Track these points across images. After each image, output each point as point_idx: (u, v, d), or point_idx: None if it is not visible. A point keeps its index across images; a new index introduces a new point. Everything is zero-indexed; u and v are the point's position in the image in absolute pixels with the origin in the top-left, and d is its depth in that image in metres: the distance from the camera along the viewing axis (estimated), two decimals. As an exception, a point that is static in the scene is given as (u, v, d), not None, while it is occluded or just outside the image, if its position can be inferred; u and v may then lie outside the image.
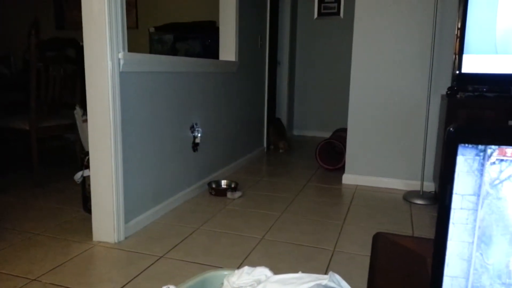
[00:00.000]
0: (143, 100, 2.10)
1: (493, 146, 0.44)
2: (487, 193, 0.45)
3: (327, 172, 3.36)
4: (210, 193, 2.73)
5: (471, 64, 2.39)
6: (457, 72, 2.42)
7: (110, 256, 1.82)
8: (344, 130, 3.63)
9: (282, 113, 4.83)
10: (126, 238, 1.99)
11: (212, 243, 1.95)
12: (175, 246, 1.92)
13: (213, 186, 2.78)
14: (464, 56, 2.39)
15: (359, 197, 2.73)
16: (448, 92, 2.44)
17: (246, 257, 1.82)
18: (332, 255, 1.86)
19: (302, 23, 4.93)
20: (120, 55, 1.83)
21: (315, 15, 4.83)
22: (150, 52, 3.78)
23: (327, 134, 4.76)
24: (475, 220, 0.46)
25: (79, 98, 2.90)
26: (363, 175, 3.01)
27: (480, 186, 0.45)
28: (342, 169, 3.15)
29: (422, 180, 2.67)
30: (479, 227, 0.46)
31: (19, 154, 3.67)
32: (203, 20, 3.87)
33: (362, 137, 2.98)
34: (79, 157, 2.86)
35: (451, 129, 0.45)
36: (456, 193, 0.46)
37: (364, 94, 2.93)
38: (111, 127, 1.86)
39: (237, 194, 2.67)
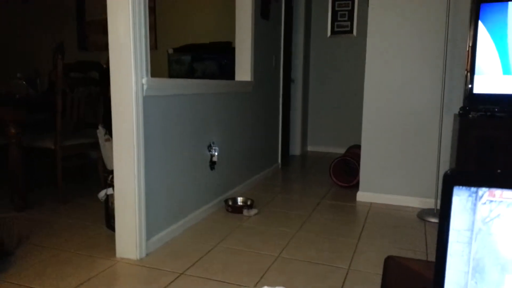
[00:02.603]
0: (164, 121, 2.20)
1: (483, 188, 0.51)
2: (480, 229, 0.51)
3: (342, 189, 3.41)
4: (227, 210, 2.80)
5: (483, 84, 2.44)
6: (469, 92, 2.47)
7: (133, 273, 1.90)
8: (358, 147, 3.68)
9: (296, 129, 4.90)
10: (147, 254, 2.08)
11: (230, 261, 2.02)
12: (195, 263, 1.99)
13: (230, 203, 2.86)
14: (476, 77, 2.45)
15: (374, 215, 2.77)
16: (460, 112, 2.48)
17: (263, 275, 1.88)
18: (347, 274, 1.91)
19: (315, 41, 5.03)
20: (144, 81, 1.94)
21: (329, 34, 4.93)
22: (169, 72, 3.92)
23: (341, 150, 4.81)
24: (469, 252, 0.52)
25: (102, 118, 3.03)
26: (377, 193, 3.05)
27: (473, 223, 0.52)
28: (356, 186, 3.20)
29: (436, 198, 2.70)
30: (473, 259, 0.52)
31: (44, 171, 3.81)
32: (220, 41, 4.00)
33: (376, 154, 3.03)
34: (102, 175, 2.97)
35: (448, 172, 0.52)
36: (452, 229, 0.52)
37: (377, 112, 2.98)
38: (135, 149, 1.96)
39: (253, 211, 2.74)
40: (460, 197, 0.52)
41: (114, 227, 2.15)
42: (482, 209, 0.51)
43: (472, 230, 0.52)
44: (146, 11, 1.91)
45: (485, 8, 2.40)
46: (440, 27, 2.74)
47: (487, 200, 0.51)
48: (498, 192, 0.50)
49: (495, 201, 0.50)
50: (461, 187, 0.51)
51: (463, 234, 0.52)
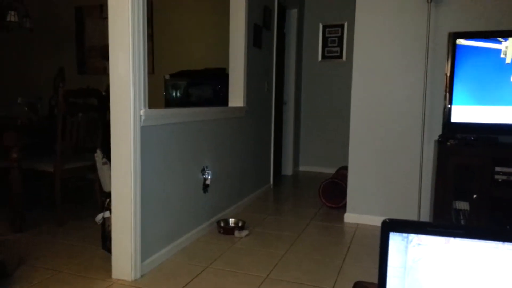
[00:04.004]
0: (160, 148, 2.33)
1: (413, 235, 0.64)
2: (411, 266, 0.65)
3: (330, 210, 3.53)
4: (219, 231, 2.91)
5: (460, 113, 2.60)
6: (447, 120, 2.63)
7: (128, 293, 2.00)
8: (347, 168, 3.82)
9: (288, 150, 5.05)
10: (142, 276, 2.18)
11: (221, 282, 2.13)
12: (187, 284, 2.10)
13: (222, 224, 2.97)
14: (453, 107, 2.61)
15: (359, 236, 2.90)
16: (439, 139, 2.64)
17: (251, 295, 1.99)
18: (330, 294, 2.03)
19: (307, 65, 5.23)
20: (142, 112, 2.08)
21: (319, 58, 5.13)
22: (165, 96, 4.07)
23: (332, 170, 4.96)
24: (404, 285, 0.65)
25: (100, 142, 3.16)
26: (363, 214, 3.18)
27: (406, 261, 0.65)
28: (344, 207, 3.32)
29: (419, 220, 2.83)
30: (407, 290, 0.65)
31: (42, 192, 3.91)
32: (214, 67, 4.17)
33: (362, 177, 3.17)
34: (99, 199, 3.08)
35: (386, 220, 0.66)
36: (390, 266, 0.66)
37: (363, 136, 3.14)
38: (132, 175, 2.09)
39: (244, 232, 2.85)
40: (395, 241, 0.65)
41: (110, 249, 2.26)
42: (412, 251, 0.64)
43: (405, 268, 0.65)
44: (145, 50, 2.06)
45: (460, 42, 2.58)
46: (421, 57, 2.91)
47: (416, 243, 0.64)
48: (423, 237, 0.64)
49: (421, 244, 0.64)
50: (395, 233, 0.65)
51: (398, 270, 0.65)
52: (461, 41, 2.59)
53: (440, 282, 0.64)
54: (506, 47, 2.51)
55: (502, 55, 2.52)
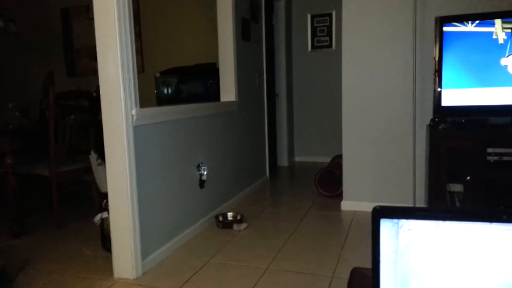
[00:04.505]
0: (154, 147, 2.34)
1: (403, 220, 0.66)
2: (402, 251, 0.67)
3: (327, 199, 3.56)
4: (218, 225, 2.93)
5: (450, 97, 2.62)
6: (437, 104, 2.66)
7: (131, 292, 2.02)
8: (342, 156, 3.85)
9: (283, 141, 5.06)
10: (143, 274, 2.20)
11: (222, 276, 2.16)
12: (188, 279, 2.12)
13: (220, 219, 2.99)
14: (443, 91, 2.63)
15: (356, 223, 2.93)
16: (431, 124, 2.66)
17: (253, 287, 2.02)
18: (330, 282, 2.06)
19: (297, 56, 5.23)
20: (133, 111, 2.08)
21: (309, 49, 5.13)
22: (156, 94, 4.06)
23: (327, 159, 4.98)
24: (396, 269, 0.67)
25: (93, 143, 3.15)
26: (360, 201, 3.21)
27: (397, 246, 0.67)
28: (341, 196, 3.35)
29: (414, 205, 2.87)
30: (400, 274, 0.67)
31: (39, 196, 3.90)
32: (204, 62, 4.16)
33: (356, 164, 3.19)
34: (97, 200, 3.09)
35: (376, 208, 0.68)
36: (382, 251, 0.67)
37: (355, 123, 3.16)
38: (127, 174, 2.09)
39: (243, 225, 2.87)
40: (386, 227, 0.67)
41: (110, 249, 2.27)
42: (403, 236, 0.66)
43: (397, 253, 0.67)
44: (133, 49, 2.06)
45: (447, 26, 2.59)
46: (410, 42, 2.93)
47: (406, 228, 0.66)
48: (413, 222, 0.66)
49: (412, 229, 0.66)
50: (386, 219, 0.67)
51: (390, 256, 0.67)
52: (447, 28, 2.60)
53: (431, 265, 0.66)
54: (496, 28, 2.53)
55: (494, 36, 2.53)
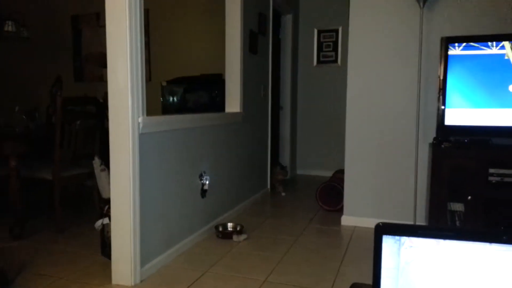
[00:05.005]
0: (158, 154, 2.36)
1: (404, 237, 0.67)
2: (403, 268, 0.68)
3: (327, 213, 3.56)
4: (217, 236, 2.93)
5: (454, 116, 2.64)
6: (440, 123, 2.67)
7: (129, 299, 2.02)
8: (344, 171, 3.86)
9: (285, 154, 5.08)
10: (141, 281, 2.20)
11: (220, 286, 2.15)
12: (186, 289, 2.12)
13: (220, 229, 2.99)
14: (447, 110, 2.65)
15: (356, 239, 2.93)
16: (434, 142, 2.68)
17: (251, 299, 2.01)
18: (328, 296, 2.05)
19: (302, 70, 5.27)
20: (140, 119, 2.11)
21: (315, 63, 5.18)
22: (162, 102, 4.10)
23: (329, 173, 4.99)
24: (397, 285, 0.68)
25: (98, 149, 3.18)
26: (360, 217, 3.21)
27: (398, 263, 0.68)
28: (341, 210, 3.35)
29: (414, 222, 2.87)
30: (400, 290, 0.68)
31: (42, 200, 3.91)
32: (211, 73, 4.21)
33: (358, 179, 3.20)
34: (98, 205, 3.10)
35: (379, 224, 0.69)
36: (383, 267, 0.69)
37: (359, 139, 3.17)
38: (131, 182, 2.11)
39: (242, 237, 2.87)
40: (388, 243, 0.68)
41: (109, 255, 2.27)
42: (405, 253, 0.68)
43: (398, 269, 0.68)
44: (143, 59, 2.10)
45: (453, 47, 2.62)
46: (415, 61, 2.96)
47: (408, 246, 0.67)
48: (415, 240, 0.67)
49: (413, 246, 0.67)
50: (388, 235, 0.68)
51: (391, 272, 0.68)
52: (452, 51, 2.63)
53: (431, 282, 0.67)
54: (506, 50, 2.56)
55: (506, 57, 2.55)
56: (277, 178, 4.29)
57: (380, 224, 0.69)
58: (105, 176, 2.96)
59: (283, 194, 4.23)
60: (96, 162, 3.02)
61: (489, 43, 2.55)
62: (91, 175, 3.15)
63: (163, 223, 2.44)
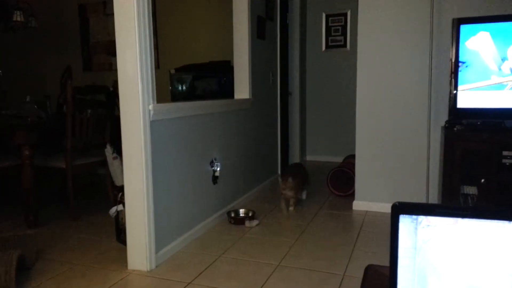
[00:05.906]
0: (169, 141, 2.37)
1: (421, 216, 0.67)
2: (421, 247, 0.68)
3: (339, 199, 3.57)
4: (230, 221, 2.96)
5: (466, 98, 2.61)
6: (452, 106, 2.64)
7: (144, 284, 2.06)
8: (354, 156, 3.85)
9: (295, 140, 5.07)
10: (157, 266, 2.24)
11: (233, 270, 2.18)
12: (201, 273, 2.15)
13: (232, 215, 3.01)
14: (459, 92, 2.62)
15: (368, 223, 2.93)
16: (446, 125, 2.65)
17: (264, 283, 2.04)
18: (342, 280, 2.07)
19: (311, 55, 5.23)
20: (151, 107, 2.11)
21: (323, 48, 5.12)
22: (171, 90, 4.10)
23: (339, 159, 4.98)
24: (414, 264, 0.69)
25: (109, 137, 3.20)
26: (372, 201, 3.21)
27: (416, 242, 0.68)
28: (353, 195, 3.35)
29: (426, 206, 2.86)
30: (417, 269, 0.69)
31: (55, 188, 3.98)
32: (219, 60, 4.19)
33: (369, 164, 3.19)
34: (112, 193, 3.14)
35: (396, 204, 0.69)
36: (401, 247, 0.69)
37: (369, 124, 3.15)
38: (143, 168, 2.13)
39: (255, 222, 2.90)
40: (405, 223, 0.68)
41: (124, 241, 2.31)
42: (422, 232, 0.68)
43: (415, 248, 0.68)
44: (151, 46, 2.09)
45: (464, 28, 2.58)
46: (426, 43, 2.92)
47: (425, 225, 0.67)
48: (432, 219, 0.67)
49: (431, 225, 0.67)
50: (405, 215, 0.68)
51: (409, 251, 0.69)
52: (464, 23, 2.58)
53: (449, 261, 0.67)
54: None
55: None
56: (286, 195, 3.24)
57: (397, 203, 0.69)
58: (117, 164, 2.99)
59: (290, 208, 3.26)
60: (108, 150, 3.05)
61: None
62: (103, 163, 3.19)
63: (176, 209, 2.47)
